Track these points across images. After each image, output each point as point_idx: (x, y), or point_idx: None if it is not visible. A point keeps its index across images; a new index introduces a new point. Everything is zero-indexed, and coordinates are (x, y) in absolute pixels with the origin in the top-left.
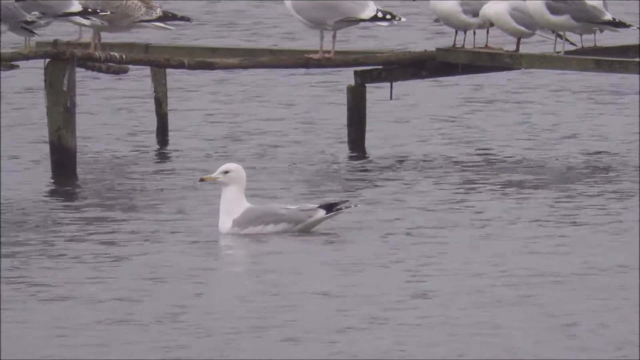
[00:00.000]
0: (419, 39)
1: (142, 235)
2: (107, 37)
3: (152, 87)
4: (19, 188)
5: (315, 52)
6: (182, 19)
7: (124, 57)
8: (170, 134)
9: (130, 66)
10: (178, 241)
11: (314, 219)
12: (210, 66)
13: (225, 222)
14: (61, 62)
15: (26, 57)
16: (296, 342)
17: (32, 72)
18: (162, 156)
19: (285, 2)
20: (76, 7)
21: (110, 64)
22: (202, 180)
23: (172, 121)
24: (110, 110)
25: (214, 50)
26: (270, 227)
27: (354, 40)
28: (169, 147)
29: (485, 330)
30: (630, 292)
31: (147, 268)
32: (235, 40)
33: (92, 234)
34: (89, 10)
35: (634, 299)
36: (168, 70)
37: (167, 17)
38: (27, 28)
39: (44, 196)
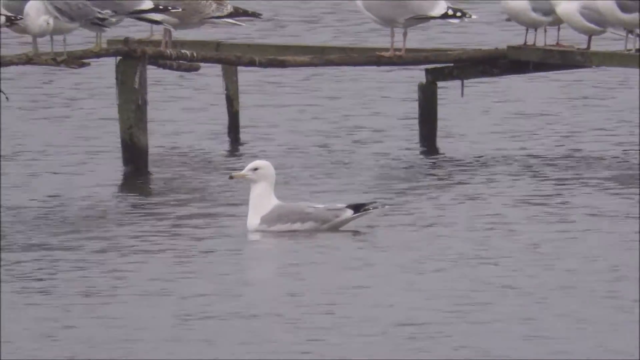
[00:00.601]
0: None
1: (214, 231)
2: (178, 34)
3: (223, 85)
4: (92, 185)
5: (387, 50)
6: (253, 15)
7: (195, 54)
8: (241, 131)
9: (201, 64)
10: (247, 238)
11: (340, 218)
12: (281, 64)
13: (253, 219)
14: (132, 60)
15: (97, 55)
16: (377, 337)
17: (104, 70)
18: (234, 154)
19: (357, 0)
20: (147, 4)
21: (181, 61)
22: (231, 177)
23: (244, 118)
24: (181, 108)
25: (285, 48)
26: (297, 225)
27: (439, 38)
28: (240, 145)
29: (573, 326)
30: None
31: (221, 264)
32: (327, 38)
33: (164, 231)
34: (160, 7)
35: None
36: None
37: (238, 13)
38: (98, 23)
39: (116, 194)
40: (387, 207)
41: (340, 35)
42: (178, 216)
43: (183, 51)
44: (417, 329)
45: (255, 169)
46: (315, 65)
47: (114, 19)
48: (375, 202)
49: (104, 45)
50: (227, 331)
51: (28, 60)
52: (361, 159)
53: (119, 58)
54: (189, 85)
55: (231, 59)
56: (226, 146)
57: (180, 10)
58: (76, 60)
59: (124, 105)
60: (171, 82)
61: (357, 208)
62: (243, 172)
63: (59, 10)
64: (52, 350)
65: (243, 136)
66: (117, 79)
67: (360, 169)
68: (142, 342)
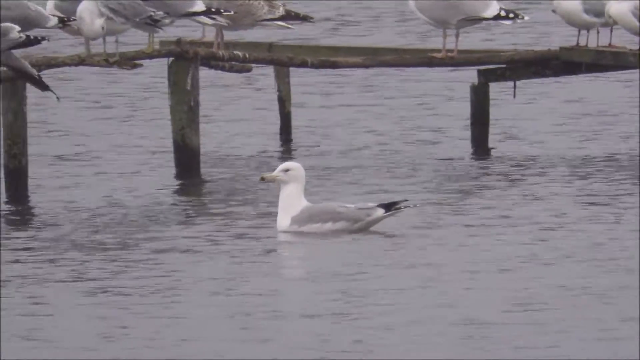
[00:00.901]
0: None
1: (266, 232)
2: (230, 35)
3: (275, 86)
4: (144, 187)
5: (439, 51)
6: (305, 18)
7: (247, 55)
8: (293, 132)
9: (253, 65)
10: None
11: (372, 217)
12: (333, 65)
13: (283, 220)
14: (185, 61)
15: (150, 56)
16: (437, 336)
17: (156, 71)
18: (285, 155)
19: (409, 1)
20: (199, 6)
21: (233, 62)
22: (262, 179)
23: (297, 119)
24: (233, 109)
25: (337, 49)
26: (329, 225)
27: (498, 38)
28: (292, 146)
29: (635, 327)
30: None
31: (278, 263)
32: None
33: (217, 231)
34: (212, 9)
35: None
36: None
37: (289, 16)
38: (150, 23)
39: (168, 195)
40: (418, 205)
41: (407, 35)
42: (230, 217)
43: (235, 52)
44: (477, 328)
45: (287, 170)
46: (368, 66)
47: (167, 20)
48: (406, 201)
49: (156, 46)
50: (286, 330)
51: (80, 62)
52: (414, 159)
53: (171, 59)
54: (241, 86)
55: (283, 60)
56: (278, 147)
57: (232, 12)
58: (128, 61)
59: (176, 107)
60: (223, 83)
61: (388, 207)
62: (274, 173)
63: (112, 10)
64: (113, 350)
65: (295, 137)
66: (169, 80)
67: (413, 170)
68: (204, 340)
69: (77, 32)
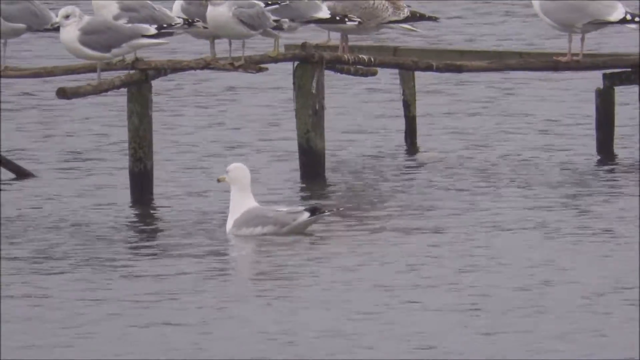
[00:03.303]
0: None
1: (392, 235)
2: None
3: (400, 90)
4: (268, 190)
5: (564, 54)
6: (430, 19)
7: (372, 59)
8: (419, 136)
9: (379, 68)
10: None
11: (297, 222)
12: (459, 69)
13: (229, 223)
14: (310, 64)
15: (275, 60)
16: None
17: (282, 75)
18: (410, 159)
19: (534, 2)
20: (324, 13)
21: (358, 66)
22: (218, 181)
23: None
24: (358, 113)
25: (462, 53)
26: (259, 229)
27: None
28: (417, 150)
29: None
30: None
31: (403, 265)
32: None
33: (342, 236)
34: (337, 17)
35: None
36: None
37: (415, 17)
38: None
39: (292, 198)
40: (342, 209)
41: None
42: (354, 220)
43: (360, 56)
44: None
45: (227, 172)
46: (493, 70)
47: (293, 26)
48: (328, 205)
49: (282, 50)
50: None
51: (206, 65)
52: (537, 163)
53: (296, 63)
54: (366, 89)
55: (408, 63)
56: (403, 152)
57: (357, 21)
58: (254, 65)
59: (301, 110)
60: (348, 87)
61: (314, 211)
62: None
63: (244, 14)
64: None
65: (420, 141)
66: (294, 83)
67: (535, 174)
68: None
69: (202, 34)
